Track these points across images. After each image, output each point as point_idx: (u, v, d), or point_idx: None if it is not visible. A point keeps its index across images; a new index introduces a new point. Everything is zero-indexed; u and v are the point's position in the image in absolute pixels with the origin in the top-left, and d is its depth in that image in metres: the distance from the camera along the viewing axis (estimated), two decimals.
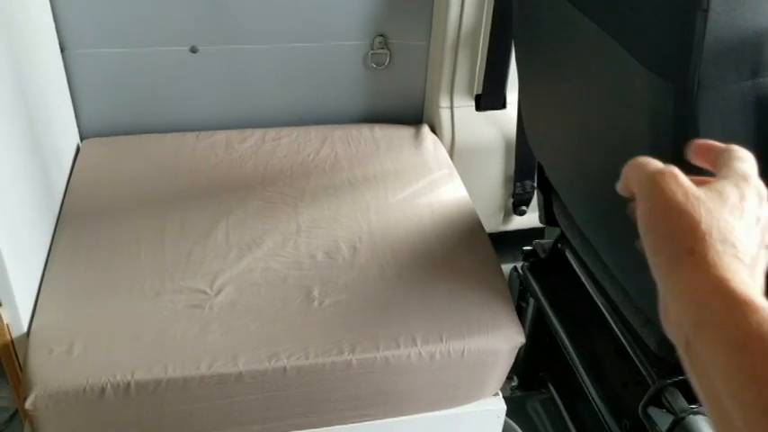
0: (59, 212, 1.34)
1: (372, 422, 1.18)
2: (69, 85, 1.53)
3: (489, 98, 1.63)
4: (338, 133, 1.62)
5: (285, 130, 1.62)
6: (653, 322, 0.99)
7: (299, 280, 1.21)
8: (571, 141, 1.05)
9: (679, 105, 0.73)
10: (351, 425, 1.17)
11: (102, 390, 1.02)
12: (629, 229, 0.89)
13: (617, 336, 1.11)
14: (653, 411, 1.00)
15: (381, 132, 1.64)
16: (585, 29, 0.89)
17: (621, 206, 0.89)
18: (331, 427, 1.17)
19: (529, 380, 1.51)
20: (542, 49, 1.09)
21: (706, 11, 0.67)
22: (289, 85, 1.65)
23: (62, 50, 1.49)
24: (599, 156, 0.94)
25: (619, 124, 0.86)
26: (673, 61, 0.72)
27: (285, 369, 1.06)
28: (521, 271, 1.39)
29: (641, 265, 0.92)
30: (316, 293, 1.18)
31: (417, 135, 1.64)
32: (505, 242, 1.53)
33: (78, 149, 1.55)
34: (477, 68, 1.61)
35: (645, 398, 1.01)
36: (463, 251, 1.30)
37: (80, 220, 1.32)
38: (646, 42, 0.78)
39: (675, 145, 0.74)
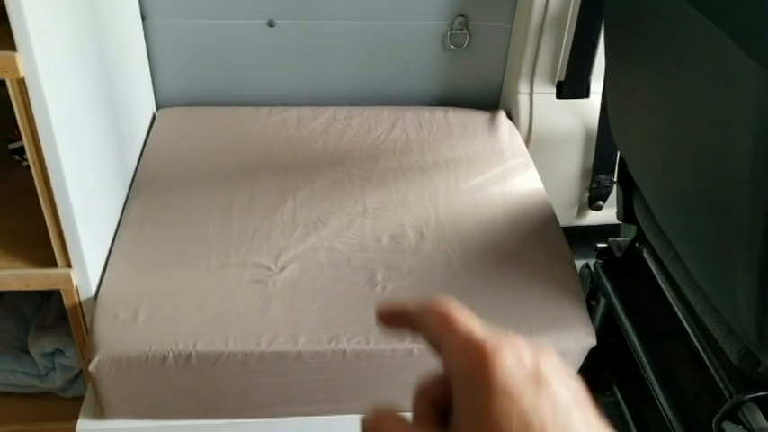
0: (132, 180, 1.36)
1: None
2: (148, 53, 1.54)
3: (572, 86, 1.56)
4: (410, 115, 1.59)
5: (357, 110, 1.60)
6: (736, 333, 0.93)
7: (363, 263, 1.19)
8: (661, 136, 0.99)
9: None
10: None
11: (164, 358, 1.03)
12: (720, 239, 0.83)
13: (693, 344, 1.06)
14: (728, 426, 0.95)
15: (455, 116, 1.60)
16: (687, 14, 0.83)
17: (715, 212, 0.84)
18: None
19: (592, 381, 1.47)
20: (635, 35, 1.03)
21: None
22: (363, 63, 1.62)
23: (143, 18, 1.50)
24: (693, 154, 0.88)
25: (719, 121, 0.79)
26: None
27: (345, 352, 1.05)
28: (593, 268, 1.33)
29: (730, 277, 0.85)
30: (379, 277, 1.16)
31: (493, 121, 1.59)
32: (577, 237, 1.47)
33: (154, 118, 1.56)
34: (562, 54, 1.54)
35: (720, 411, 0.95)
36: (535, 244, 1.25)
37: (152, 189, 1.33)
38: (756, 33, 0.72)
39: None
